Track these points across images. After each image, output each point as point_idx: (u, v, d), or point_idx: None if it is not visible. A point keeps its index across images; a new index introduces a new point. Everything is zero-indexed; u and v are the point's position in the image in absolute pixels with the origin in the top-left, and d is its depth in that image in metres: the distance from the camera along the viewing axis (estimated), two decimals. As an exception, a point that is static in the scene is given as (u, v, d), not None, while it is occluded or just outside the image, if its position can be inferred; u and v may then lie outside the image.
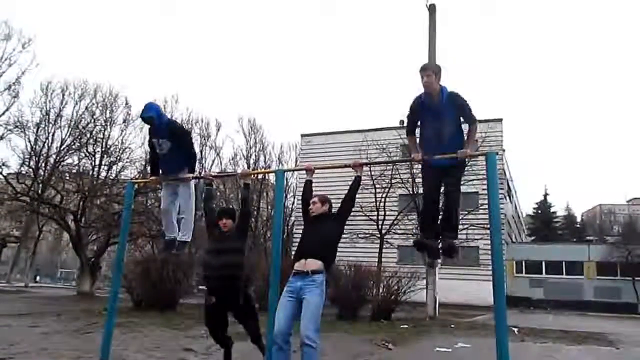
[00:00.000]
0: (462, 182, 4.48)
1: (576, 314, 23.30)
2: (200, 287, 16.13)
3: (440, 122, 4.15)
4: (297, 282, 4.00)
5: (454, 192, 4.27)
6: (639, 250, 27.67)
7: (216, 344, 5.26)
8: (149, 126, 5.24)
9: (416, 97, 4.29)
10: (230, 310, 4.96)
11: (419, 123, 4.42)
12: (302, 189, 4.78)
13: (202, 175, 5.97)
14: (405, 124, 4.56)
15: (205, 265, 5.09)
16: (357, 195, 4.51)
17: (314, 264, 4.01)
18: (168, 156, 5.11)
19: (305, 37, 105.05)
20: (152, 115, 5.01)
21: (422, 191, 4.56)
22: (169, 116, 7.95)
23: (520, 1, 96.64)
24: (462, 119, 4.28)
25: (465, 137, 4.32)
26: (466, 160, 4.35)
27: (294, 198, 32.50)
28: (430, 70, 4.15)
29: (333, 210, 4.51)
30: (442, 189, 4.29)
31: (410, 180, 17.18)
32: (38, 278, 34.39)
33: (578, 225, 53.61)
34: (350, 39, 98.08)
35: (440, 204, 4.37)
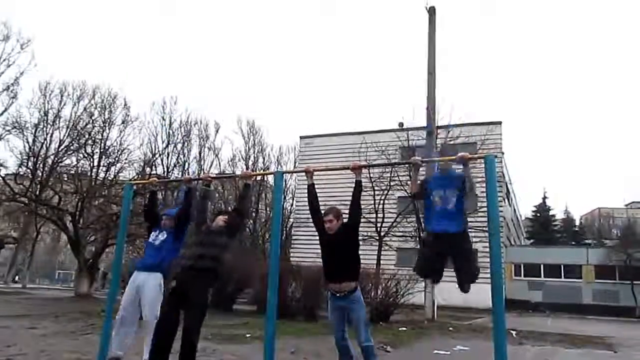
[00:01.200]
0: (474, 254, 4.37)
1: (574, 317, 23.30)
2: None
3: (446, 187, 4.30)
4: (340, 302, 4.48)
5: (468, 264, 4.23)
6: (638, 254, 27.66)
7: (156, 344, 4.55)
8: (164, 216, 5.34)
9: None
10: (187, 303, 4.55)
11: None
12: (306, 197, 4.72)
13: (200, 176, 5.96)
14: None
15: (183, 256, 4.94)
16: (355, 197, 4.54)
17: (348, 285, 4.44)
18: (157, 247, 5.08)
19: (304, 38, 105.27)
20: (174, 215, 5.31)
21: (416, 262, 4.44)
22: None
23: (520, 3, 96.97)
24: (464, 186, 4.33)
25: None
26: (468, 231, 4.34)
27: (293, 200, 32.52)
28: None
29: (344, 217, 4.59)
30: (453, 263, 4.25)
31: (409, 182, 17.20)
32: (17, 278, 34.13)
33: (577, 229, 53.53)
34: (349, 41, 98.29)
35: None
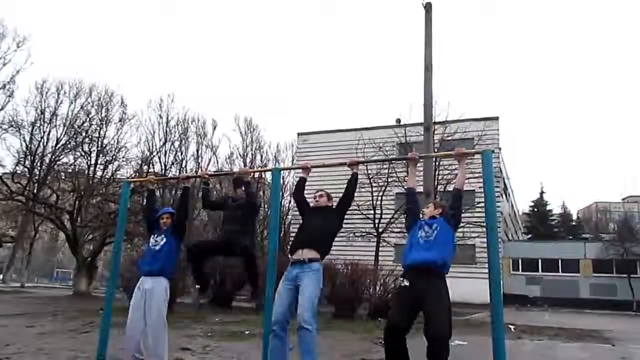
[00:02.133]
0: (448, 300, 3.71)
1: (572, 311, 23.39)
2: (197, 286, 16.07)
3: (432, 228, 3.97)
4: (294, 270, 4.03)
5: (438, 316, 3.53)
6: (635, 247, 27.77)
7: (196, 276, 5.24)
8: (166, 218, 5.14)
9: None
10: (231, 249, 4.98)
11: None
12: (295, 187, 4.77)
13: (198, 174, 6.00)
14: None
15: (222, 233, 5.31)
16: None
17: (310, 253, 4.05)
18: (157, 251, 4.91)
19: (302, 35, 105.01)
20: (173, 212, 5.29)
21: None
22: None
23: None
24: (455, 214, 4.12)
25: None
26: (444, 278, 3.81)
27: (291, 197, 32.54)
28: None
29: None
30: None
31: (406, 178, 17.19)
32: (1, 277, 33.96)
33: (574, 223, 53.63)
34: (347, 38, 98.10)
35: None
